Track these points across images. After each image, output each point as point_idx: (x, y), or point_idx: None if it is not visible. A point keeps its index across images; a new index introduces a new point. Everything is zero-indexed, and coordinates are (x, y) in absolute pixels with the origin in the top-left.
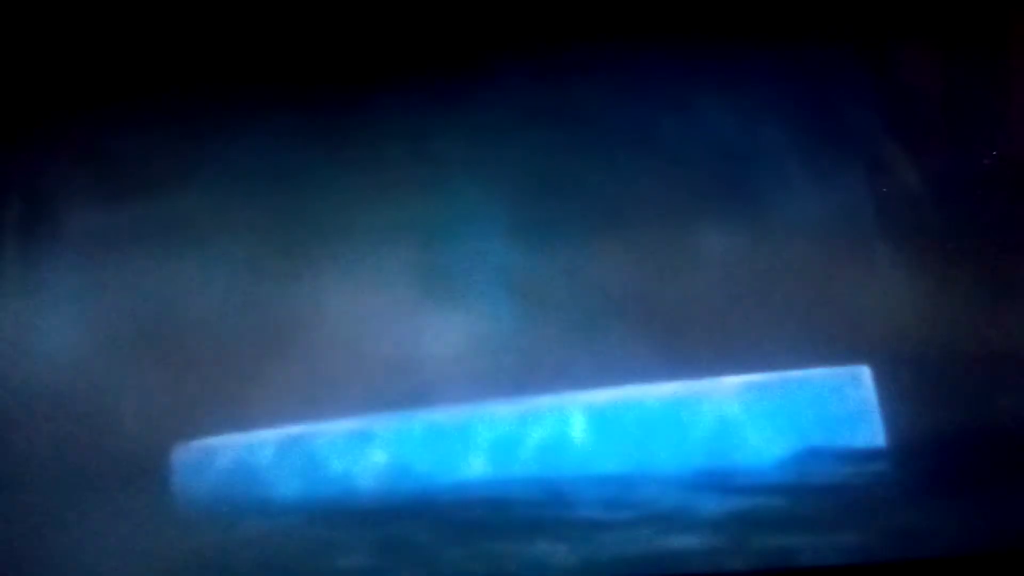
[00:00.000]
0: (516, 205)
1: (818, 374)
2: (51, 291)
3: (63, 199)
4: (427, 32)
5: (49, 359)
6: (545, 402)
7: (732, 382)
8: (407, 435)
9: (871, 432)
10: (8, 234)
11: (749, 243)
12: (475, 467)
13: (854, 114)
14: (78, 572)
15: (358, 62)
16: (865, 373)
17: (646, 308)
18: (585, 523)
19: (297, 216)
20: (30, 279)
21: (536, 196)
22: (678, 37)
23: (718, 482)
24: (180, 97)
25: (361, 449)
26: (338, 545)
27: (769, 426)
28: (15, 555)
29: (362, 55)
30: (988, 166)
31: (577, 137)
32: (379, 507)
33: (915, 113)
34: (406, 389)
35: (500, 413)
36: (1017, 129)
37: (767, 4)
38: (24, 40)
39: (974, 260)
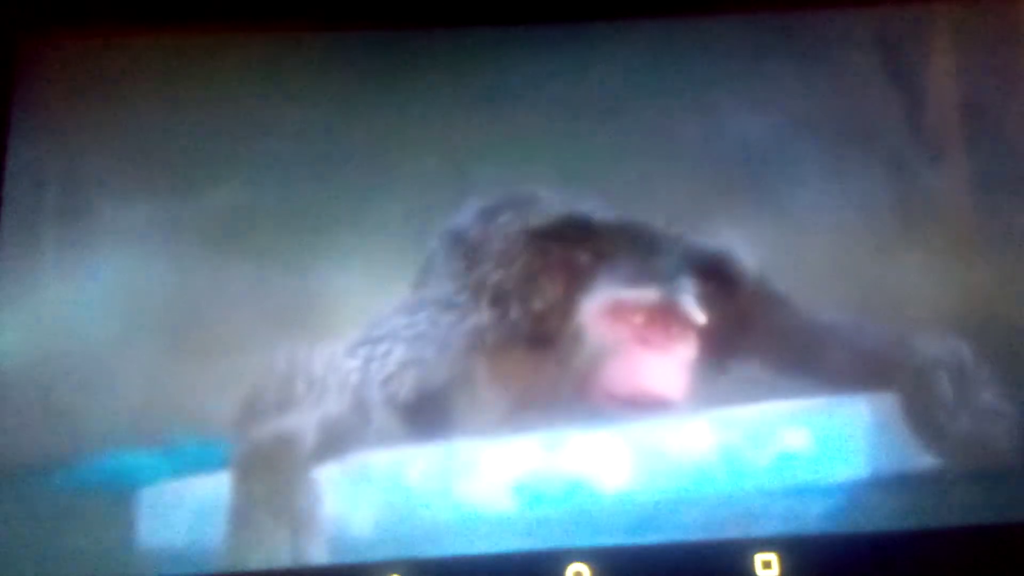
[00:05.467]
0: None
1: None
2: (85, 281)
3: (101, 190)
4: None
5: (74, 346)
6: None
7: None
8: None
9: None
10: (47, 222)
11: (772, 246)
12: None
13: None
14: None
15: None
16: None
17: None
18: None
19: (334, 211)
20: (66, 267)
21: (555, 191)
22: (702, 35)
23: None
24: (224, 93)
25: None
26: None
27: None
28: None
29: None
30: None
31: (598, 130)
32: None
33: (942, 113)
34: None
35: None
36: None
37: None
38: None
39: (1006, 261)
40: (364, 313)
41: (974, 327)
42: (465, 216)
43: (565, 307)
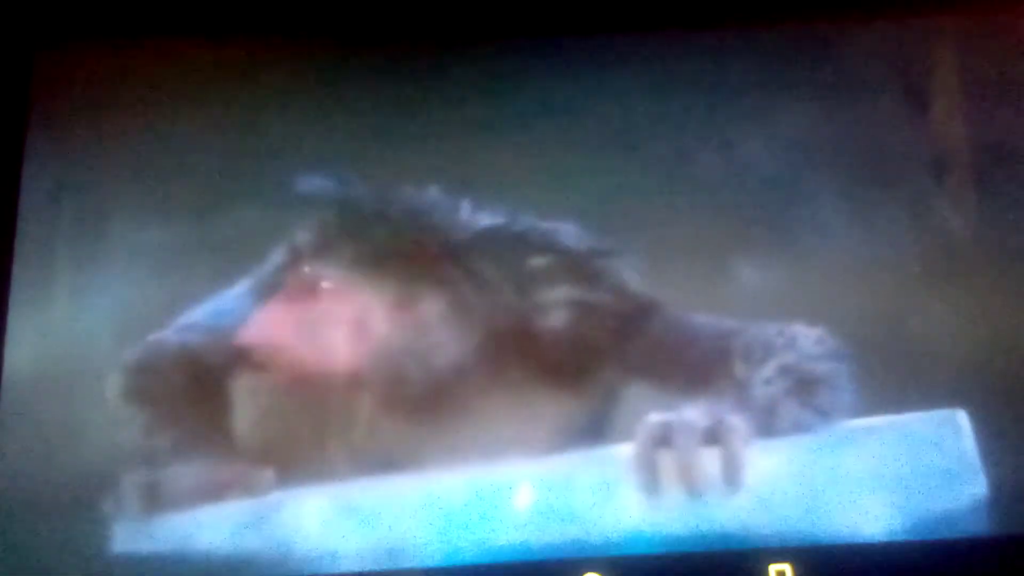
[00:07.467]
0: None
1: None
2: (97, 299)
3: (115, 209)
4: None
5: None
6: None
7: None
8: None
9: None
10: (58, 243)
11: (790, 277)
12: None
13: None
14: None
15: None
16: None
17: None
18: None
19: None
20: (79, 285)
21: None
22: (719, 73)
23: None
24: (240, 113)
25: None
26: None
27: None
28: None
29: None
30: None
31: (614, 164)
32: None
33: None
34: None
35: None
36: None
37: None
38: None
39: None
40: None
41: (995, 364)
42: None
43: None
